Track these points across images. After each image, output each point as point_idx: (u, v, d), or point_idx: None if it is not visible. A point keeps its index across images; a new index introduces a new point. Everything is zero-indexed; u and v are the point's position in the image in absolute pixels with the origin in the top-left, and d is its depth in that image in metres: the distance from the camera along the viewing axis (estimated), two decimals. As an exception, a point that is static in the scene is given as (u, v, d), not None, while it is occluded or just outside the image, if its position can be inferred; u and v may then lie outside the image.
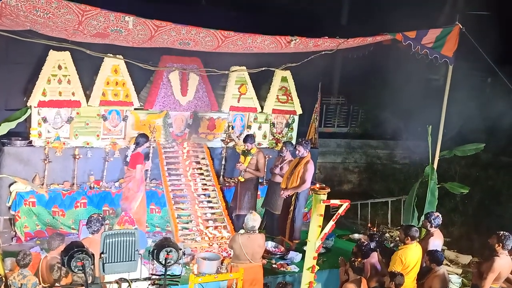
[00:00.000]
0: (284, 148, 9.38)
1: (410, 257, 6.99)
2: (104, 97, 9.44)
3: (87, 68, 9.32)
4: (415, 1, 12.71)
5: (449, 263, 9.97)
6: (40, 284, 6.28)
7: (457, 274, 9.32)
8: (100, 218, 6.83)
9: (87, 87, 9.46)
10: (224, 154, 10.30)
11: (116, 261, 5.22)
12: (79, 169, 9.26)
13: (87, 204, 9.18)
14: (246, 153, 9.43)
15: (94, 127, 9.52)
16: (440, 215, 7.61)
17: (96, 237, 6.49)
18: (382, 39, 8.73)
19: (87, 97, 9.40)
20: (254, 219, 7.06)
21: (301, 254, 8.58)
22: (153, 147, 9.57)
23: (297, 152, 8.80)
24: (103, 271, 5.16)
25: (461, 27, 8.77)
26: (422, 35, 8.55)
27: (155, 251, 5.43)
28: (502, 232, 6.81)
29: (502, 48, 10.42)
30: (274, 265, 8.53)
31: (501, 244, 6.72)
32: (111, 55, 9.14)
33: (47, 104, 9.00)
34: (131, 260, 5.28)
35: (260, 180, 9.82)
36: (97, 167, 9.47)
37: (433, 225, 7.54)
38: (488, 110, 13.03)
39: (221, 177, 10.27)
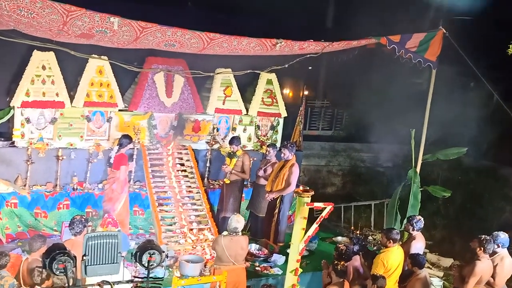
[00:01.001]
0: (268, 150, 9.40)
1: (392, 260, 7.03)
2: (88, 98, 9.37)
3: (72, 68, 9.25)
4: (400, 6, 12.80)
5: (430, 266, 10.07)
6: (21, 286, 6.21)
7: (438, 277, 9.42)
8: (83, 219, 6.78)
9: (71, 88, 9.38)
10: (209, 156, 10.30)
11: (98, 263, 5.19)
12: (62, 170, 9.21)
13: (70, 206, 9.12)
14: (231, 155, 9.43)
15: (78, 128, 9.46)
16: (422, 219, 7.67)
17: (78, 239, 6.44)
18: (367, 43, 8.80)
19: (71, 98, 9.32)
20: (237, 221, 7.06)
21: (284, 257, 8.60)
22: (137, 148, 9.54)
23: (282, 155, 8.81)
24: (85, 273, 5.13)
25: (445, 31, 8.86)
26: (406, 39, 8.63)
27: (138, 253, 5.40)
28: (483, 236, 6.87)
29: (485, 52, 10.54)
30: (257, 268, 8.55)
31: (482, 248, 6.79)
32: (96, 56, 9.10)
33: (31, 104, 8.91)
34: (113, 263, 5.25)
35: (245, 183, 9.83)
36: (81, 168, 9.41)
37: (415, 229, 7.60)
38: (470, 115, 13.18)
39: (205, 179, 10.26)
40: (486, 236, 6.88)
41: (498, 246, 7.13)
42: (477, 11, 14.56)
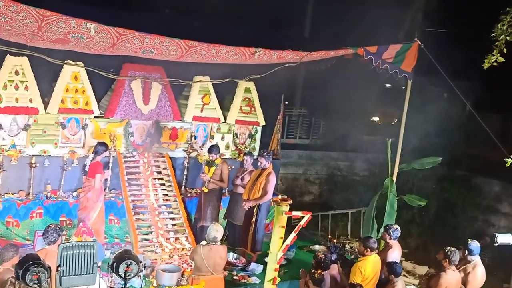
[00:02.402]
0: (245, 159, 9.37)
1: (369, 269, 7.06)
2: (63, 105, 9.23)
3: (46, 74, 9.08)
4: (377, 17, 12.97)
5: (406, 274, 10.15)
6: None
7: (414, 285, 9.49)
8: (57, 228, 6.63)
9: (46, 94, 9.23)
10: (186, 164, 10.23)
11: (73, 274, 5.11)
12: (36, 178, 9.04)
13: (43, 215, 8.94)
14: (210, 163, 9.38)
15: (52, 135, 9.30)
16: (398, 228, 7.73)
17: (52, 248, 6.30)
18: (344, 53, 8.87)
19: (45, 104, 9.17)
20: (216, 230, 7.00)
21: (262, 266, 8.57)
22: (113, 156, 9.41)
23: (259, 163, 8.80)
24: (60, 284, 5.03)
25: (420, 43, 8.98)
26: (382, 50, 8.72)
27: (115, 263, 5.34)
28: (448, 248, 6.93)
29: (458, 64, 10.74)
30: (235, 277, 8.50)
31: (447, 260, 6.86)
32: (71, 61, 8.97)
33: (3, 110, 8.73)
34: (89, 273, 5.18)
35: (223, 191, 9.78)
36: (55, 176, 9.25)
37: (392, 237, 7.65)
38: (445, 125, 13.40)
39: (183, 187, 10.18)
40: (451, 248, 6.94)
41: (470, 254, 7.22)
42: (451, 24, 14.89)
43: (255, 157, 9.37)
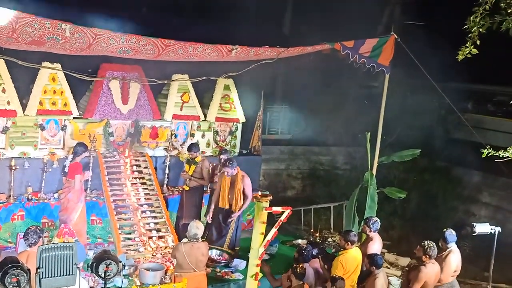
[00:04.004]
0: (221, 157, 9.40)
1: (350, 262, 7.14)
2: (41, 106, 9.19)
3: (23, 76, 9.02)
4: (355, 12, 13.05)
5: (389, 266, 10.26)
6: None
7: (396, 276, 9.59)
8: (38, 230, 6.60)
9: (23, 96, 9.18)
10: (167, 163, 10.22)
11: (53, 275, 5.11)
12: (16, 181, 8.99)
13: (25, 217, 8.89)
14: (190, 161, 9.41)
15: (31, 137, 9.25)
16: (378, 220, 7.82)
17: (34, 250, 6.28)
18: (321, 48, 8.91)
19: (24, 106, 9.12)
20: (197, 227, 7.03)
21: (245, 262, 8.60)
22: (93, 156, 9.38)
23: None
24: (40, 286, 5.03)
25: (396, 37, 9.06)
26: (359, 45, 8.79)
27: (94, 264, 5.35)
28: (426, 243, 7.02)
29: (437, 55, 10.84)
30: (218, 273, 8.53)
31: (426, 255, 6.97)
32: (48, 63, 8.92)
33: (-19, 114, 8.68)
34: (69, 274, 5.18)
35: (204, 189, 9.80)
36: (35, 178, 9.20)
37: (372, 230, 7.74)
38: (424, 116, 13.54)
39: (164, 186, 10.18)
40: (429, 242, 7.02)
41: (445, 242, 7.37)
42: (428, 16, 15.02)
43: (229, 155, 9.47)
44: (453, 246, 7.41)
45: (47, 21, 6.47)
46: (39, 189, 9.19)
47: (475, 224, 7.70)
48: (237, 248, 9.15)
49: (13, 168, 8.86)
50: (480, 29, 6.23)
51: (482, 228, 7.63)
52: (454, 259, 7.35)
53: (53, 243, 7.12)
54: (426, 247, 6.97)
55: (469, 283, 9.93)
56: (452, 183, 13.36)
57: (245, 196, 8.78)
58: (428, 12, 15.74)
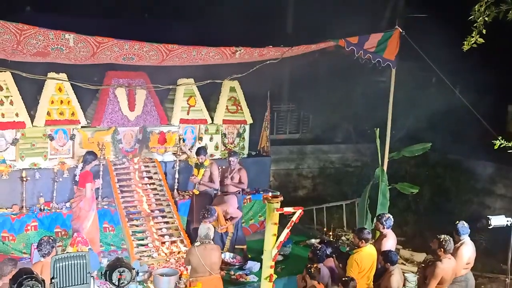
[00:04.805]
0: (230, 159, 9.50)
1: (365, 260, 7.07)
2: (49, 117, 9.25)
3: (30, 87, 9.12)
4: (358, 7, 12.96)
5: (404, 262, 10.16)
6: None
7: (412, 272, 9.50)
8: (50, 240, 6.62)
9: (31, 107, 9.25)
10: (177, 168, 10.21)
11: (67, 285, 5.10)
12: (28, 192, 9.04)
13: (38, 227, 8.95)
14: (199, 165, 9.41)
15: (41, 148, 9.32)
16: (391, 216, 7.73)
17: (48, 260, 6.29)
18: (326, 46, 8.85)
19: (32, 117, 9.19)
20: (208, 228, 7.00)
21: (259, 264, 8.56)
22: (103, 164, 9.40)
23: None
24: (54, 296, 5.02)
25: (401, 30, 8.98)
26: (364, 40, 8.71)
27: (108, 272, 5.32)
28: (442, 236, 6.91)
29: (443, 47, 10.73)
30: (233, 276, 8.51)
31: (442, 249, 6.87)
32: (54, 73, 8.96)
33: (-10, 127, 8.72)
34: (83, 283, 5.17)
35: (214, 192, 9.78)
36: (47, 188, 9.26)
37: (385, 227, 7.65)
38: (434, 109, 13.40)
39: (175, 190, 10.17)
40: (445, 236, 6.93)
41: (458, 234, 7.28)
42: (433, 8, 14.87)
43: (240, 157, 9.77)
44: (465, 238, 7.32)
45: (50, 32, 6.49)
46: (51, 199, 9.24)
47: (490, 216, 7.57)
48: (244, 247, 9.26)
49: (25, 179, 8.91)
50: (486, 18, 6.12)
51: (497, 220, 7.51)
52: (466, 251, 7.25)
53: (67, 252, 7.16)
54: (442, 240, 6.88)
55: (487, 277, 9.81)
56: (465, 176, 13.20)
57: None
58: (432, 3, 15.57)
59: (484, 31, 6.12)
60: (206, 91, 10.59)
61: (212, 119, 10.87)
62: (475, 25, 6.18)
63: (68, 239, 8.80)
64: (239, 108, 11.05)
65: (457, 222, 7.42)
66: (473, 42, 6.27)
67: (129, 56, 7.61)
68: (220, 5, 11.46)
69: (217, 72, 9.49)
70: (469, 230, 7.37)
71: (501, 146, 6.33)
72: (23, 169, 9.04)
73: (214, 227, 7.75)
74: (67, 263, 5.13)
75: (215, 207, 8.04)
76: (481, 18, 6.12)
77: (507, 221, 7.48)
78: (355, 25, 9.85)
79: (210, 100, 10.94)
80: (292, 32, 15.68)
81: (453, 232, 7.34)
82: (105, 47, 7.07)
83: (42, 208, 9.09)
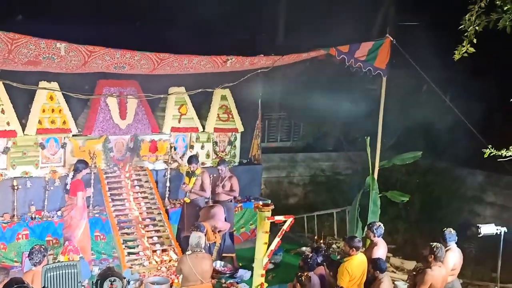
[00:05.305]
0: (220, 168, 9.58)
1: (356, 268, 7.08)
2: (40, 125, 9.23)
3: (21, 96, 9.06)
4: (349, 16, 13.03)
5: (395, 270, 10.17)
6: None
7: (403, 280, 9.53)
8: (42, 249, 6.60)
9: (23, 116, 9.23)
10: (168, 176, 10.22)
11: (58, 294, 5.10)
12: (19, 200, 9.04)
13: (30, 236, 8.93)
14: (190, 174, 9.41)
15: (32, 156, 9.30)
16: (381, 225, 7.76)
17: (39, 269, 6.28)
18: (317, 54, 8.90)
19: (23, 126, 9.16)
20: (199, 236, 7.02)
21: (250, 272, 8.59)
22: (94, 173, 9.39)
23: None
24: (44, 306, 5.02)
25: (392, 39, 9.04)
26: (355, 49, 8.74)
27: (99, 281, 5.33)
28: (434, 244, 6.96)
29: (434, 55, 10.81)
30: (224, 285, 8.53)
31: (433, 256, 6.93)
32: (45, 82, 8.94)
33: (-19, 135, 8.71)
34: (73, 293, 5.18)
35: (205, 200, 9.79)
36: (38, 196, 9.26)
37: (376, 235, 7.68)
38: (424, 117, 13.47)
39: (166, 199, 10.17)
40: (437, 243, 6.98)
41: (445, 241, 7.34)
42: (423, 16, 14.97)
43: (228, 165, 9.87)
44: (452, 245, 7.39)
45: (41, 40, 6.49)
46: (42, 208, 9.23)
47: (480, 225, 7.61)
48: (233, 255, 9.30)
49: (16, 187, 8.91)
50: (477, 28, 6.16)
51: (487, 229, 7.55)
52: (452, 257, 7.30)
53: (58, 261, 7.15)
54: (433, 247, 6.93)
55: (477, 284, 9.84)
56: (455, 184, 13.25)
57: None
58: (423, 11, 15.68)
59: (474, 41, 6.16)
60: (198, 100, 10.60)
61: (204, 127, 10.89)
62: (465, 34, 6.22)
63: (59, 247, 8.81)
64: (230, 116, 11.08)
65: (444, 229, 7.50)
66: (464, 51, 6.31)
67: (120, 65, 7.62)
68: (212, 14, 11.48)
69: (209, 80, 9.50)
70: (456, 237, 7.45)
71: (491, 154, 6.36)
72: (14, 177, 9.02)
73: None
74: (58, 272, 5.16)
75: (204, 223, 8.01)
76: (471, 27, 6.16)
77: (497, 229, 7.53)
78: (346, 33, 9.91)
79: (202, 108, 10.96)
80: (283, 40, 15.75)
81: (440, 239, 7.41)
82: (96, 56, 7.08)
83: (33, 216, 9.07)
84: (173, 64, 7.87)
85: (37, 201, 9.24)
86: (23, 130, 9.15)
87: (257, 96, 11.46)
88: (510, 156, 6.25)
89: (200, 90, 8.76)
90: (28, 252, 6.92)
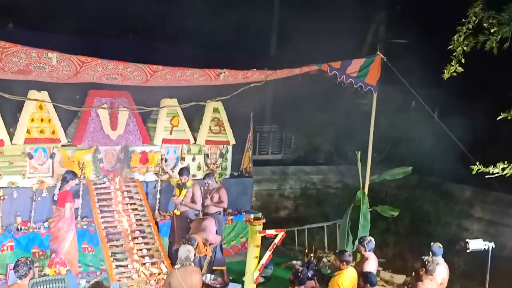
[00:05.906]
0: (207, 182, 9.56)
1: (346, 282, 7.07)
2: (29, 135, 9.12)
3: (10, 105, 8.93)
4: (341, 33, 13.12)
5: (384, 284, 10.18)
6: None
7: (392, 294, 9.55)
8: (28, 261, 6.48)
9: (11, 125, 9.12)
10: (158, 188, 10.16)
11: (45, 309, 5.01)
12: (5, 211, 8.90)
13: (15, 247, 8.77)
14: (181, 186, 9.36)
15: (20, 166, 9.18)
16: (372, 239, 7.77)
17: (25, 282, 6.19)
18: (309, 70, 8.92)
19: (11, 135, 9.05)
20: (188, 250, 6.93)
21: (240, 285, 8.54)
22: (83, 184, 9.30)
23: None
24: (31, 320, 4.92)
25: (382, 56, 9.12)
26: (346, 65, 8.82)
27: (87, 295, 5.26)
28: (426, 258, 6.99)
29: (424, 72, 10.92)
30: (213, 298, 8.44)
31: (424, 269, 6.94)
32: (35, 91, 8.86)
33: (-32, 144, 8.59)
34: (61, 307, 5.09)
35: (196, 213, 9.73)
36: (24, 207, 9.12)
37: (367, 249, 7.68)
38: (414, 133, 13.55)
39: (156, 211, 10.09)
40: (429, 257, 7.02)
41: (433, 255, 7.36)
42: (413, 34, 15.15)
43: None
44: (439, 259, 7.42)
45: (33, 50, 6.41)
46: (28, 219, 9.10)
47: (468, 240, 7.67)
48: (223, 268, 9.23)
49: (2, 198, 8.78)
50: (465, 48, 6.25)
51: (476, 244, 7.62)
52: (440, 271, 7.34)
53: (44, 274, 7.04)
54: (425, 260, 6.96)
55: (466, 299, 9.89)
56: (444, 199, 13.35)
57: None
58: (413, 29, 15.88)
59: (463, 60, 6.24)
60: (190, 112, 10.55)
61: (195, 139, 10.86)
62: (454, 54, 6.31)
63: (46, 259, 8.67)
64: (222, 128, 11.06)
65: (432, 243, 7.57)
66: (452, 71, 6.39)
67: (112, 76, 7.55)
68: (205, 27, 11.52)
69: (201, 92, 9.45)
70: (442, 251, 7.53)
71: (479, 171, 6.41)
72: (0, 187, 8.89)
73: None
74: (45, 287, 5.06)
75: (195, 236, 7.95)
76: (460, 48, 6.24)
77: (485, 245, 7.59)
78: (338, 50, 9.96)
79: (194, 120, 10.93)
80: (276, 56, 15.84)
81: (429, 252, 7.44)
82: (88, 66, 7.01)
83: (19, 227, 8.94)
84: (166, 77, 7.83)
85: (24, 211, 9.11)
86: (11, 139, 9.03)
87: (249, 109, 11.47)
88: (497, 173, 6.30)
89: (193, 103, 8.73)
90: (13, 265, 6.82)
